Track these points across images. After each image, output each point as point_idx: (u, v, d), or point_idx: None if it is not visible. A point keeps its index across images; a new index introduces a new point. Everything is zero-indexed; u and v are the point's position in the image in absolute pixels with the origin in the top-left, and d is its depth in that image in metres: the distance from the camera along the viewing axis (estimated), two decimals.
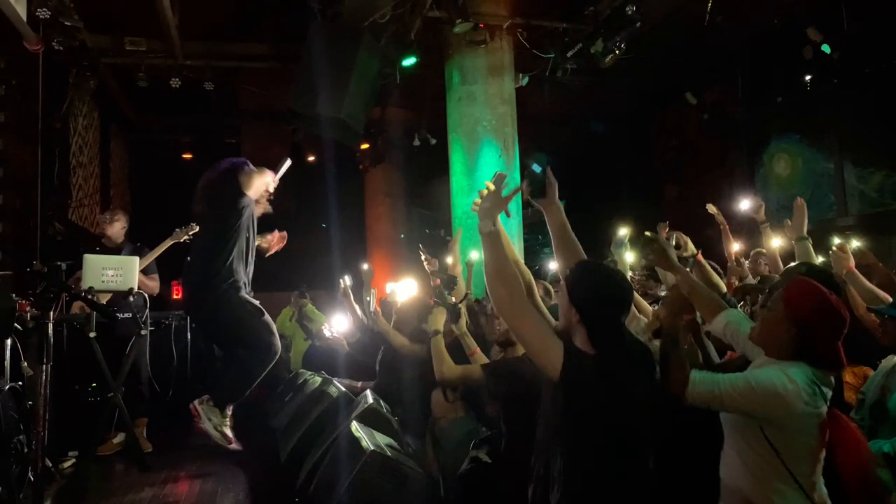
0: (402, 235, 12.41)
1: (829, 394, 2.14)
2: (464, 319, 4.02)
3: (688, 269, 2.90)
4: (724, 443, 2.28)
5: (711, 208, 5.06)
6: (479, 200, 2.38)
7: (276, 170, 4.60)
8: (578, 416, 2.12)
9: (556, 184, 2.63)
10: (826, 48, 7.81)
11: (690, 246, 3.79)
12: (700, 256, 3.72)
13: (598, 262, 2.42)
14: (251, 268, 4.54)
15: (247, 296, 4.39)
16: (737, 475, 2.19)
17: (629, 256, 4.05)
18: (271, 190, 4.60)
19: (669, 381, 2.19)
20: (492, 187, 2.34)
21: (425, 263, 5.12)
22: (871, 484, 2.27)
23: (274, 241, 4.97)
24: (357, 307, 6.22)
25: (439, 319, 3.67)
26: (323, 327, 6.88)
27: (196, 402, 4.30)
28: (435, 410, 3.97)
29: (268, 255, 4.94)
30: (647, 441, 2.18)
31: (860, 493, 2.24)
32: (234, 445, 4.35)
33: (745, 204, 5.03)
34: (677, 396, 2.16)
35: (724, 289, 3.52)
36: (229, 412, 4.40)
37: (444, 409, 3.91)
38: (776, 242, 4.74)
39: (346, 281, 6.08)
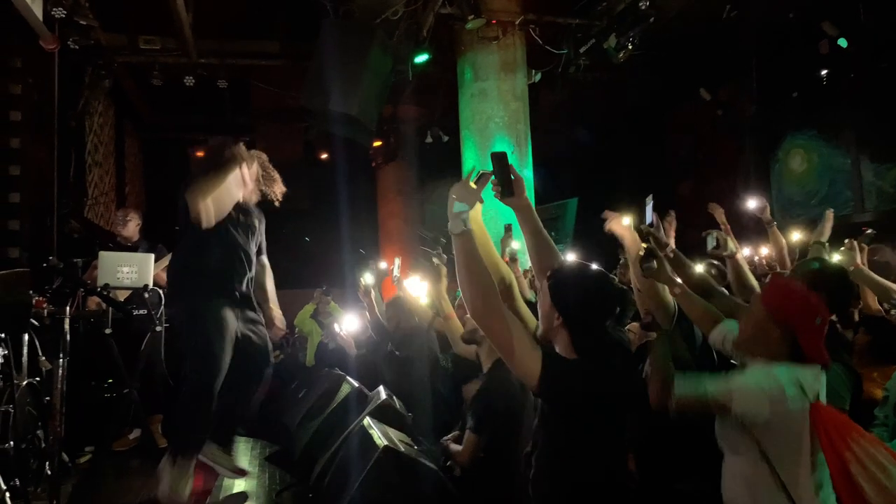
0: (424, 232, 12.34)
1: (818, 390, 2.09)
2: (444, 282, 3.99)
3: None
4: (723, 460, 2.23)
5: (713, 208, 4.90)
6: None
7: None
8: (557, 422, 2.07)
9: (522, 180, 2.38)
10: (843, 42, 7.72)
11: (731, 244, 3.52)
12: (739, 256, 3.50)
13: (584, 263, 2.34)
14: (246, 269, 3.80)
15: (223, 313, 3.59)
16: (735, 492, 2.14)
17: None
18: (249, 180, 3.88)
19: (651, 392, 2.13)
20: (474, 187, 2.14)
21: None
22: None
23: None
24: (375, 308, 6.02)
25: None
26: (334, 325, 6.81)
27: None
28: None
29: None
30: (624, 442, 2.15)
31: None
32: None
33: (750, 203, 4.92)
34: (661, 408, 2.09)
35: (759, 290, 3.37)
36: (188, 463, 3.55)
37: None
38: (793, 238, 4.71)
39: (368, 279, 5.87)
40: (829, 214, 4.24)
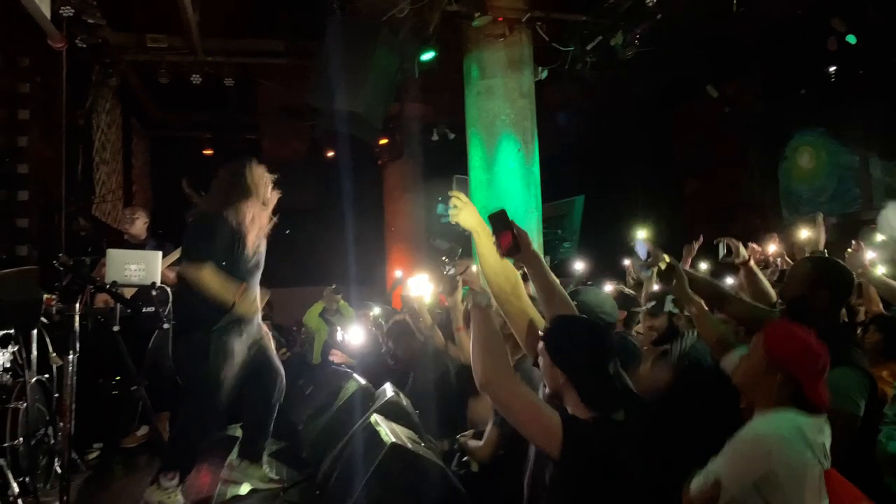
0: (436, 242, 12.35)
1: (823, 443, 2.05)
2: (459, 293, 3.98)
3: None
4: None
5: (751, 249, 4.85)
6: (453, 210, 2.32)
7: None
8: (576, 480, 2.01)
9: (526, 234, 2.37)
10: (851, 39, 7.67)
11: (742, 251, 3.53)
12: (752, 263, 3.50)
13: (571, 315, 2.32)
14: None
15: (233, 347, 3.77)
16: None
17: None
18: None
19: None
20: (463, 197, 2.19)
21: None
22: None
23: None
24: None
25: None
26: (336, 335, 6.68)
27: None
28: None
29: None
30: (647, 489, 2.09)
31: None
32: None
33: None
34: None
35: (774, 297, 3.35)
36: (173, 481, 3.67)
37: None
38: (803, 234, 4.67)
39: (376, 310, 5.82)
40: (820, 219, 4.18)
